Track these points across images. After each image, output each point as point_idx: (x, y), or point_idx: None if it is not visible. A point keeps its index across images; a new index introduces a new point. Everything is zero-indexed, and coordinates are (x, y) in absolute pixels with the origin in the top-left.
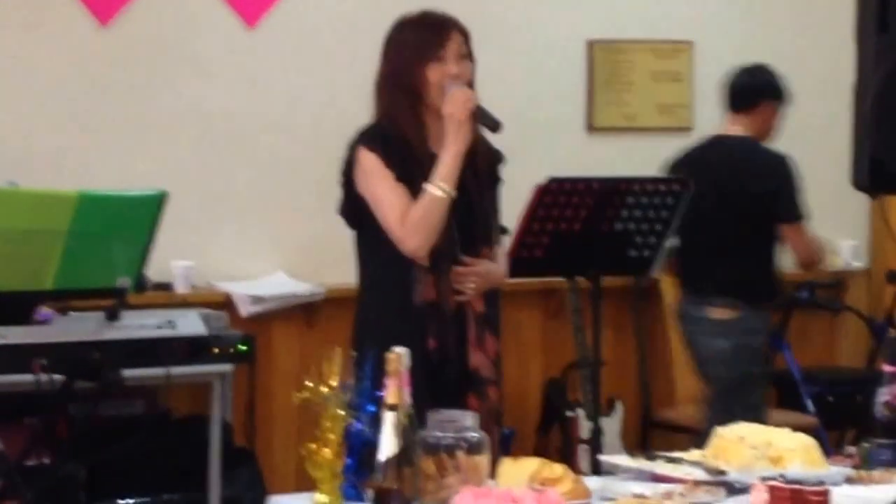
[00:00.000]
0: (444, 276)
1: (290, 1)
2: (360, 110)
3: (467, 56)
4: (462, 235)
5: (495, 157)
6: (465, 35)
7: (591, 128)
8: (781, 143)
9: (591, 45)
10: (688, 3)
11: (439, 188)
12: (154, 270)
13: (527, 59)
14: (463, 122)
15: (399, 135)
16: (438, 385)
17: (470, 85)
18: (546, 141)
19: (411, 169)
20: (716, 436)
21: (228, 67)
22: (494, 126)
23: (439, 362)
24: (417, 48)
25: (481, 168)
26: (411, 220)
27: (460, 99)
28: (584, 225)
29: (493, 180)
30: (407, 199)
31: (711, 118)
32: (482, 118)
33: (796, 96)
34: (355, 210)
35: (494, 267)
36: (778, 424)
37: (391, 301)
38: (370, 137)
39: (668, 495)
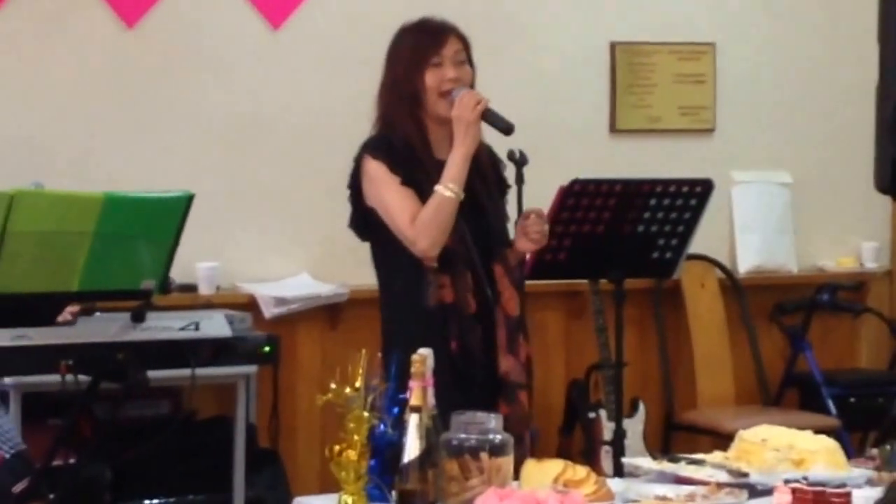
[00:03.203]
0: (460, 277)
1: (315, 3)
2: None
3: (465, 62)
4: (475, 238)
5: (499, 164)
6: (463, 41)
7: (614, 130)
8: (799, 145)
9: (614, 48)
10: (709, 5)
11: (448, 189)
12: (178, 272)
13: (549, 61)
14: (471, 124)
15: (402, 142)
16: (466, 387)
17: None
18: (569, 143)
19: (416, 174)
20: (738, 438)
21: (253, 69)
22: (507, 129)
23: (464, 364)
24: (414, 54)
25: (486, 172)
26: (421, 220)
27: (469, 101)
28: (606, 227)
29: (502, 186)
30: (415, 201)
31: (733, 120)
32: (493, 121)
33: (819, 99)
34: (365, 222)
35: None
36: (800, 426)
37: (409, 307)
38: (374, 147)
39: (691, 497)
